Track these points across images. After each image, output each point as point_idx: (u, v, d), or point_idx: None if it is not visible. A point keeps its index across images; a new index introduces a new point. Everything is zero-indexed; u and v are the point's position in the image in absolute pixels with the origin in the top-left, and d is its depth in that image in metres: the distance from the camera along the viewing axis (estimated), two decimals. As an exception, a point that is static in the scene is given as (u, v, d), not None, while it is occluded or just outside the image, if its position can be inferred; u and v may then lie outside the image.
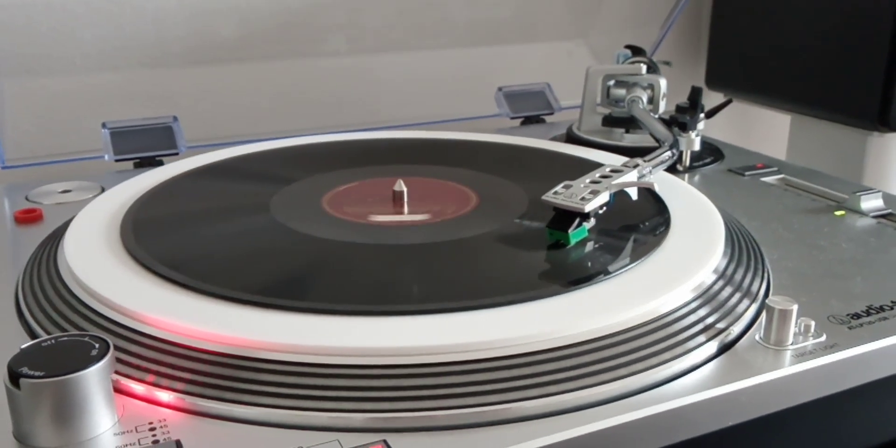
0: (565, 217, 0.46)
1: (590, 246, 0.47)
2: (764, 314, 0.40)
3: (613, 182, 0.49)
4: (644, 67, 0.72)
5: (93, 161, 0.72)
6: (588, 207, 0.46)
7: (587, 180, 0.49)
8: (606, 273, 0.42)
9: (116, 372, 0.35)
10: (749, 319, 0.42)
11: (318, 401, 0.34)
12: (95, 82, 0.77)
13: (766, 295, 0.45)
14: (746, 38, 0.92)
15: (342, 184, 0.58)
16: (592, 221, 0.48)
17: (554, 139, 0.75)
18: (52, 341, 0.34)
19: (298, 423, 0.34)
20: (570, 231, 0.46)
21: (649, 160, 0.54)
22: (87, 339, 0.34)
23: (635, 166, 0.52)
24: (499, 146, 0.69)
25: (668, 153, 0.57)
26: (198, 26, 0.77)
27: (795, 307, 0.39)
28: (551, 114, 0.88)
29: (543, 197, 0.47)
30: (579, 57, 0.97)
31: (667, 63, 0.78)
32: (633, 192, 0.51)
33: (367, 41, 0.87)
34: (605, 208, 0.48)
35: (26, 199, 0.62)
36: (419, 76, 0.91)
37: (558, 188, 0.48)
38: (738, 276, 0.45)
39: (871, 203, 0.57)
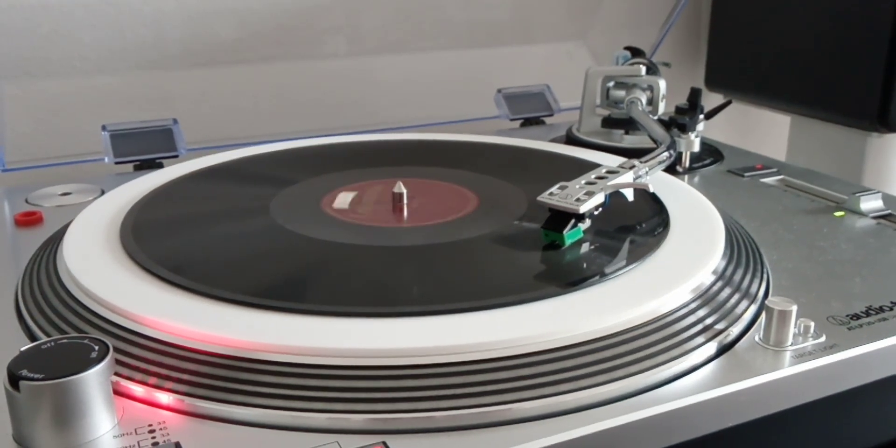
0: (560, 218, 0.46)
1: (590, 247, 0.47)
2: (763, 315, 0.40)
3: (608, 183, 0.49)
4: (643, 69, 0.72)
5: (93, 163, 0.72)
6: (583, 208, 0.46)
7: (582, 181, 0.49)
8: (605, 274, 0.42)
9: (116, 374, 0.35)
10: (748, 320, 0.42)
11: (317, 402, 0.34)
12: (95, 85, 0.77)
13: (766, 296, 0.45)
14: (746, 39, 0.92)
15: (342, 186, 0.58)
16: (588, 222, 0.48)
17: (553, 141, 0.75)
18: (52, 344, 0.34)
19: (298, 424, 0.34)
20: (564, 232, 0.46)
21: (646, 161, 0.54)
22: (86, 341, 0.34)
23: (631, 167, 0.52)
24: (498, 148, 0.69)
25: (666, 154, 0.57)
26: (196, 28, 0.78)
27: (795, 308, 0.39)
28: (551, 115, 0.88)
29: (539, 198, 0.47)
30: (579, 58, 0.97)
31: (666, 64, 0.78)
32: (629, 194, 0.51)
33: (366, 43, 0.87)
34: (600, 209, 0.48)
35: (26, 201, 0.62)
36: (418, 78, 0.91)
37: (553, 189, 0.48)
38: (737, 277, 0.45)
39: (870, 204, 0.57)
